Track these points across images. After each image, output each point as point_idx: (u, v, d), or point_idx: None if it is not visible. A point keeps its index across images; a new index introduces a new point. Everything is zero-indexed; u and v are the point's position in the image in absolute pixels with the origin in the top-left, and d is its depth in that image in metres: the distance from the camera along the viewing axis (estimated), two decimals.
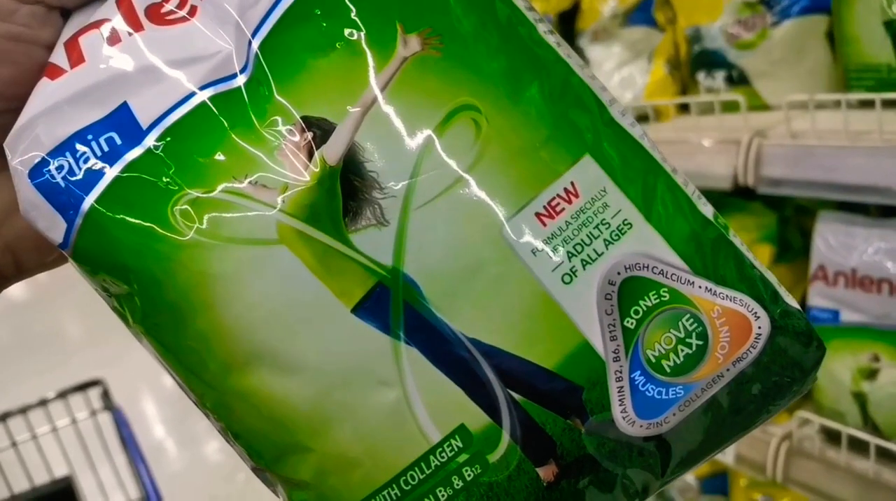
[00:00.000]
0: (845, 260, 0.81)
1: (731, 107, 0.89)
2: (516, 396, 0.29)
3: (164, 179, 0.30)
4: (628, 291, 0.29)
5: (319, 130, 0.29)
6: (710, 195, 1.15)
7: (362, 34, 0.30)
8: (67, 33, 0.32)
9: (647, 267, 0.29)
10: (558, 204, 0.29)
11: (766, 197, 0.94)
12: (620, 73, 1.07)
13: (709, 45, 0.95)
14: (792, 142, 0.78)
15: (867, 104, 0.76)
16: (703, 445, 0.30)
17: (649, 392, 0.29)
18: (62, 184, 0.30)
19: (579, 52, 1.15)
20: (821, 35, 0.86)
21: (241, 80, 0.30)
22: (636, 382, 0.29)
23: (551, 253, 0.29)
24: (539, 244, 0.29)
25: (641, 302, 0.29)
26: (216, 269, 0.29)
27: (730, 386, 0.29)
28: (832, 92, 0.85)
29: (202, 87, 0.30)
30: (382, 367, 0.29)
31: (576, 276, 0.29)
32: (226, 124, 0.30)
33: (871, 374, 0.80)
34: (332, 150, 0.29)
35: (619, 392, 0.29)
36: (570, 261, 0.29)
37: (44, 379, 2.00)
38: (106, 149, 0.30)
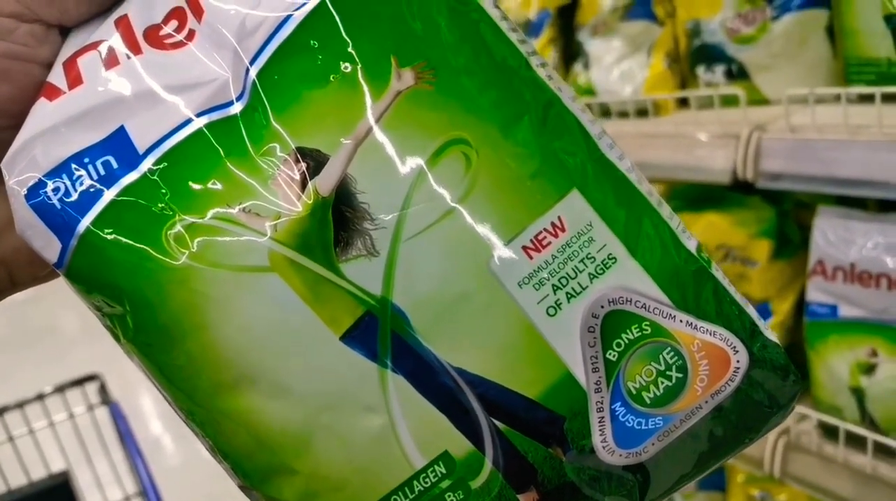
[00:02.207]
0: (844, 254, 0.81)
1: (730, 101, 0.88)
2: (499, 424, 0.30)
3: (159, 204, 0.30)
4: (611, 324, 0.30)
5: (313, 161, 0.30)
6: (710, 189, 1.14)
7: (358, 67, 0.30)
8: (66, 53, 0.32)
9: (630, 301, 0.30)
10: (545, 237, 0.30)
11: (766, 192, 0.93)
12: (620, 67, 1.06)
13: (708, 39, 0.95)
14: (791, 136, 0.78)
15: (867, 98, 0.76)
16: (680, 474, 0.31)
17: (629, 422, 0.30)
18: (58, 205, 0.31)
19: (578, 46, 1.15)
20: (821, 29, 0.86)
21: (237, 108, 0.31)
22: (616, 413, 0.30)
23: (537, 286, 0.29)
24: (525, 277, 0.29)
25: (624, 336, 0.30)
26: (208, 293, 0.30)
27: (708, 417, 0.30)
28: (832, 86, 0.85)
29: (199, 114, 0.31)
30: (369, 394, 0.30)
31: (560, 309, 0.29)
32: (221, 152, 0.30)
33: (870, 369, 0.80)
34: (325, 182, 0.30)
35: (599, 422, 0.30)
36: (555, 294, 0.29)
37: (41, 373, 1.99)
38: (102, 172, 0.31)
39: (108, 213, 0.30)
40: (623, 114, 1.03)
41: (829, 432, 0.84)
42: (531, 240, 0.29)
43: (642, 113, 1.01)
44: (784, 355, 0.32)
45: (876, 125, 0.72)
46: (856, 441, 0.81)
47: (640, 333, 0.30)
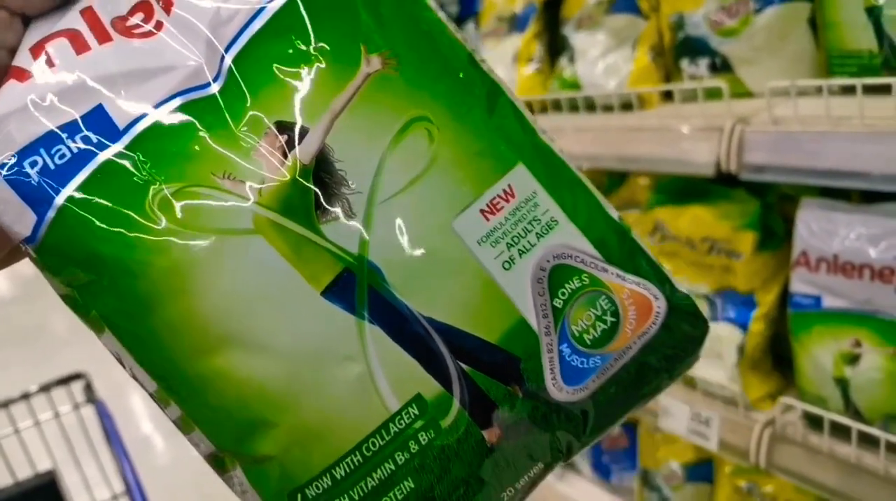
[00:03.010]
0: (827, 246, 0.81)
1: (714, 94, 0.89)
2: (465, 367, 0.33)
3: (142, 173, 0.32)
4: (556, 276, 0.35)
5: (293, 133, 0.33)
6: (694, 182, 1.14)
7: (330, 52, 0.34)
8: (31, 40, 0.33)
9: (571, 256, 0.35)
10: (498, 202, 0.34)
11: (750, 184, 0.94)
12: (605, 60, 1.06)
13: (692, 32, 0.95)
14: (774, 128, 0.78)
15: (849, 90, 0.76)
16: (616, 409, 0.36)
17: (574, 361, 0.34)
18: (35, 178, 0.31)
19: (564, 40, 1.15)
20: (803, 21, 0.86)
21: (214, 89, 0.33)
22: (563, 353, 0.34)
23: (493, 244, 0.34)
24: (483, 236, 0.34)
25: (567, 285, 0.35)
26: (192, 257, 0.31)
27: (636, 357, 0.35)
28: (814, 78, 0.85)
29: (176, 94, 0.33)
30: (348, 344, 0.32)
31: (513, 264, 0.34)
32: (201, 127, 0.33)
33: (853, 360, 0.81)
34: (306, 151, 0.33)
35: (549, 361, 0.34)
36: (508, 251, 0.34)
37: (29, 373, 1.98)
38: (82, 146, 0.32)
39: (88, 184, 0.31)
40: (608, 108, 1.03)
41: (814, 422, 0.85)
42: (487, 205, 0.34)
43: (627, 106, 1.01)
44: (694, 304, 0.37)
45: (858, 117, 0.72)
46: (840, 431, 0.82)
47: (580, 283, 0.35)
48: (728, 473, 1.06)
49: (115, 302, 0.32)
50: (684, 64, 0.97)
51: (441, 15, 0.36)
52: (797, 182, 0.78)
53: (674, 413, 1.00)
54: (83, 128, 0.32)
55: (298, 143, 0.33)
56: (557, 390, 0.34)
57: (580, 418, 0.35)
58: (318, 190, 0.33)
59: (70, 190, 0.31)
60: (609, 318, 0.35)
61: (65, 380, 1.16)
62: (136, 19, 0.33)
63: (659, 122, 0.92)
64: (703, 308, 0.97)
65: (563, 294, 0.34)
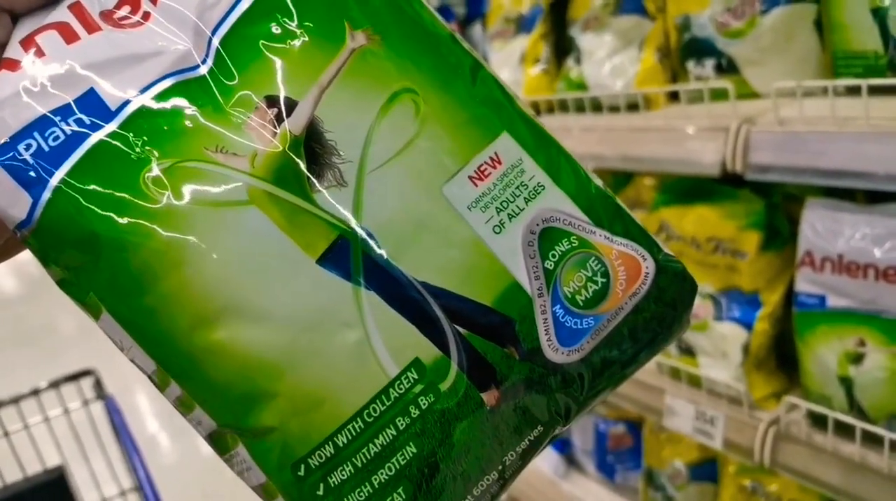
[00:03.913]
0: (832, 245, 0.82)
1: (719, 94, 0.89)
2: (461, 330, 0.34)
3: (136, 150, 0.33)
4: (546, 239, 0.35)
5: (283, 107, 0.34)
6: (700, 182, 1.15)
7: (315, 29, 0.35)
8: (20, 34, 0.34)
9: (559, 219, 0.36)
10: (486, 169, 0.35)
11: (755, 184, 0.94)
12: (612, 61, 1.07)
13: (698, 33, 0.95)
14: (780, 128, 0.79)
15: (854, 91, 0.76)
16: (612, 371, 0.36)
17: (568, 322, 0.35)
18: (30, 161, 0.32)
19: (571, 41, 1.16)
20: (809, 22, 0.87)
21: (202, 70, 0.34)
22: (557, 314, 0.35)
23: (483, 209, 0.35)
24: (473, 201, 0.35)
25: (557, 247, 0.35)
26: (189, 231, 0.32)
27: (628, 318, 0.36)
28: (820, 79, 0.85)
29: (166, 76, 0.34)
30: (345, 310, 0.33)
31: (504, 227, 0.35)
32: (192, 106, 0.34)
33: (858, 359, 0.81)
34: (296, 122, 0.34)
35: (544, 323, 0.35)
36: (498, 215, 0.35)
37: (37, 372, 1.99)
38: (76, 128, 0.32)
39: (83, 164, 0.32)
40: (614, 109, 1.04)
41: (819, 421, 0.85)
42: (475, 171, 0.35)
43: (633, 107, 1.02)
44: (682, 265, 0.38)
45: (863, 117, 0.73)
46: (844, 430, 0.82)
47: (569, 245, 0.36)
48: (732, 472, 1.07)
49: (112, 280, 0.32)
50: (690, 65, 0.98)
51: None
52: (802, 182, 0.79)
53: (679, 412, 1.00)
54: (76, 110, 0.33)
55: (288, 116, 0.34)
56: (553, 351, 0.35)
57: (577, 380, 0.35)
58: (309, 160, 0.33)
59: (64, 171, 0.32)
60: (600, 279, 0.35)
61: (74, 377, 1.17)
62: (124, 11, 0.35)
63: (665, 123, 0.93)
64: (709, 307, 0.98)
65: (554, 256, 0.35)
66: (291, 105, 0.34)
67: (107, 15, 0.34)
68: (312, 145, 0.34)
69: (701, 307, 0.98)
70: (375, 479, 0.32)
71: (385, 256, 0.33)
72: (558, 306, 0.35)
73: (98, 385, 1.15)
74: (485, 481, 0.34)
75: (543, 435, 0.35)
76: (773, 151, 0.80)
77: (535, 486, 1.42)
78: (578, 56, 1.12)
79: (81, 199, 0.32)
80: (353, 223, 0.33)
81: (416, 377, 0.33)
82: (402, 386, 0.33)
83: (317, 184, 0.33)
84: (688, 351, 1.02)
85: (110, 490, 1.24)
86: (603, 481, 1.37)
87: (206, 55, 0.34)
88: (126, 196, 0.32)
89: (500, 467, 0.34)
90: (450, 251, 0.34)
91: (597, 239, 0.36)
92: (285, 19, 0.35)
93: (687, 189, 1.03)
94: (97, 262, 0.32)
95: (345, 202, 0.33)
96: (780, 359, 0.99)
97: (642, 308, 0.36)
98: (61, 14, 0.34)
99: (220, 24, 0.35)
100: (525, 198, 0.35)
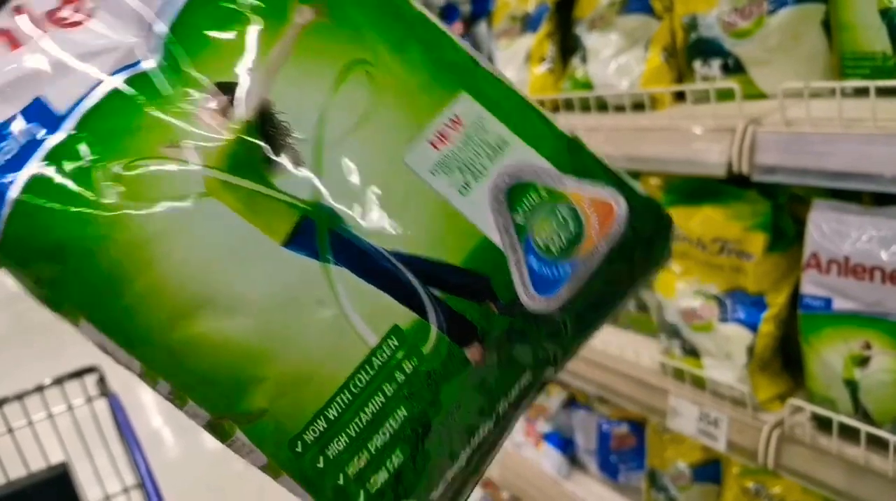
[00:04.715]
0: (838, 248, 0.81)
1: (726, 95, 0.89)
2: (437, 292, 0.34)
3: (89, 157, 0.32)
4: (514, 194, 0.36)
5: (233, 93, 0.34)
6: (705, 183, 1.14)
7: (262, 7, 0.35)
8: None
9: (525, 172, 0.36)
10: (446, 131, 0.35)
11: (761, 186, 0.94)
12: (618, 60, 1.07)
13: (705, 33, 0.95)
14: (786, 129, 0.79)
15: (862, 92, 0.76)
16: (593, 313, 0.37)
17: (544, 272, 0.36)
18: None
19: (576, 40, 1.15)
20: (817, 23, 0.86)
21: (150, 63, 0.34)
22: (532, 265, 0.35)
23: (447, 172, 0.35)
24: (435, 165, 0.35)
25: (526, 200, 0.36)
26: (149, 230, 0.32)
27: (607, 260, 0.36)
28: (827, 80, 0.85)
29: (113, 73, 0.34)
30: (317, 289, 0.33)
31: (470, 188, 0.35)
32: (141, 102, 0.33)
33: (863, 362, 0.81)
34: (248, 107, 0.34)
35: (519, 275, 0.35)
36: (463, 177, 0.35)
37: (42, 366, 1.99)
38: (26, 139, 0.32)
39: (39, 176, 0.32)
40: (620, 108, 1.03)
41: (823, 424, 0.85)
42: (435, 135, 0.35)
43: (639, 107, 1.02)
44: (657, 202, 0.39)
45: (870, 119, 0.72)
46: (849, 433, 0.82)
47: (538, 197, 0.36)
48: (735, 474, 1.06)
49: (84, 287, 0.32)
50: (697, 65, 0.97)
51: None
52: (808, 183, 0.78)
53: (682, 413, 1.00)
54: (23, 121, 0.33)
55: (238, 101, 0.34)
56: (531, 300, 0.35)
57: (561, 326, 0.36)
58: (264, 144, 0.33)
59: (21, 183, 0.32)
60: (571, 226, 0.36)
61: (78, 373, 1.17)
62: (68, 11, 0.35)
63: (671, 123, 0.92)
64: (714, 308, 0.97)
65: (524, 209, 0.36)
66: (241, 90, 0.34)
67: (51, 15, 0.34)
68: (266, 128, 0.34)
69: (706, 308, 0.98)
70: (371, 445, 0.33)
71: (351, 231, 0.33)
72: (532, 256, 0.35)
73: (102, 382, 1.16)
74: (481, 431, 0.35)
75: (534, 381, 0.36)
76: (779, 152, 0.79)
77: (538, 486, 1.42)
78: (584, 55, 1.12)
79: (42, 210, 0.32)
80: (315, 202, 0.33)
81: (396, 343, 0.33)
82: (384, 354, 0.33)
83: (274, 168, 0.33)
84: (692, 352, 1.01)
85: (114, 487, 1.24)
86: (606, 481, 1.37)
87: (154, 48, 0.34)
88: (86, 200, 0.32)
89: (495, 417, 0.35)
90: (417, 218, 0.34)
91: (566, 187, 0.36)
92: (231, 3, 0.35)
93: (693, 189, 1.02)
94: (66, 271, 0.32)
95: (304, 182, 0.33)
96: (785, 361, 0.98)
97: (620, 249, 0.37)
98: (4, 19, 0.34)
99: (165, 15, 0.35)
100: (489, 156, 0.36)
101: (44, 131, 0.32)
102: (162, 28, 0.34)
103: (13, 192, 0.32)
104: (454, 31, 0.97)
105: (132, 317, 0.32)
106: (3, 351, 3.01)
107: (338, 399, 0.33)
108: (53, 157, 0.32)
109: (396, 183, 0.34)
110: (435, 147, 0.35)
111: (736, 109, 0.84)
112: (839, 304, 0.82)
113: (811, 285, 0.84)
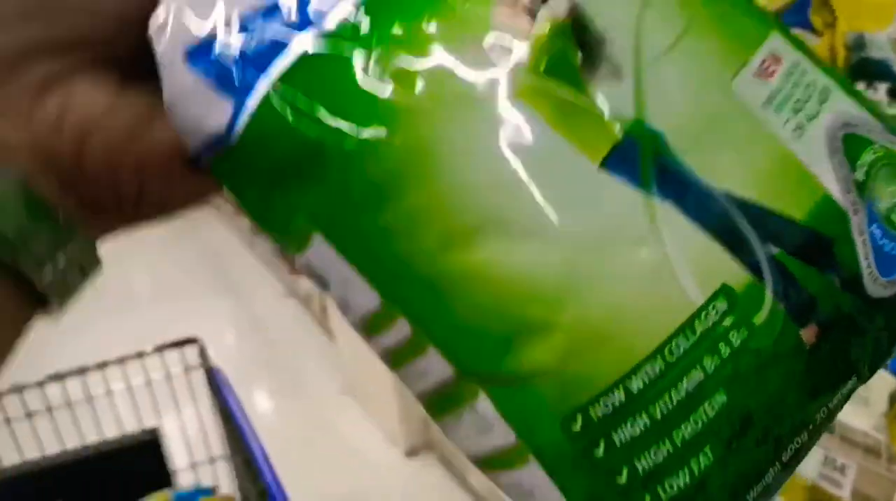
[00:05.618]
0: None
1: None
2: (774, 250, 0.27)
3: (370, 44, 0.27)
4: (850, 146, 0.30)
5: None
6: None
7: None
8: None
9: (858, 125, 0.30)
10: (769, 66, 0.30)
11: None
12: None
13: (874, 54, 0.89)
14: None
15: None
16: None
17: (886, 247, 0.29)
18: (233, 58, 0.27)
19: None
20: None
21: None
22: (874, 235, 0.29)
23: (777, 109, 0.29)
24: (766, 99, 0.30)
25: (864, 156, 0.30)
26: (440, 132, 0.27)
27: None
28: None
29: None
30: (637, 225, 0.26)
31: (804, 131, 0.29)
32: None
33: None
34: (559, 6, 0.29)
35: (862, 245, 0.29)
36: (795, 116, 0.29)
37: (117, 335, 2.05)
38: (294, 19, 0.27)
39: (303, 62, 0.27)
40: None
41: None
42: (759, 67, 0.30)
43: None
44: None
45: None
46: None
47: (874, 155, 0.30)
48: None
49: (339, 197, 0.27)
50: (860, 87, 0.91)
51: None
52: None
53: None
54: (282, 6, 0.28)
55: (545, 1, 0.28)
56: (872, 281, 0.28)
57: (893, 320, 0.29)
58: (579, 50, 0.28)
59: (278, 70, 0.27)
60: None
61: (179, 344, 1.19)
62: None
63: None
64: None
65: (863, 165, 0.29)
66: None
67: None
68: (581, 33, 0.28)
69: None
70: (677, 435, 0.25)
71: (679, 160, 0.27)
72: (875, 225, 0.29)
73: (203, 354, 1.17)
74: (795, 442, 0.27)
75: (853, 389, 0.29)
76: None
77: None
78: None
79: (299, 104, 0.27)
80: (639, 121, 0.27)
81: (725, 307, 0.26)
82: (709, 318, 0.26)
83: (591, 77, 0.28)
84: None
85: (200, 455, 1.26)
86: None
87: None
88: (362, 94, 0.27)
89: (811, 426, 0.28)
90: (751, 154, 0.28)
91: None
92: None
93: None
94: (322, 178, 0.27)
95: (624, 96, 0.27)
96: None
97: None
98: None
99: None
100: (817, 99, 0.30)
101: (316, 11, 0.27)
102: None
103: (263, 85, 0.27)
104: None
105: (393, 237, 0.27)
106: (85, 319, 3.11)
107: (647, 367, 0.25)
108: (323, 43, 0.27)
109: (727, 112, 0.28)
110: (763, 79, 0.29)
111: None
112: None
113: None
